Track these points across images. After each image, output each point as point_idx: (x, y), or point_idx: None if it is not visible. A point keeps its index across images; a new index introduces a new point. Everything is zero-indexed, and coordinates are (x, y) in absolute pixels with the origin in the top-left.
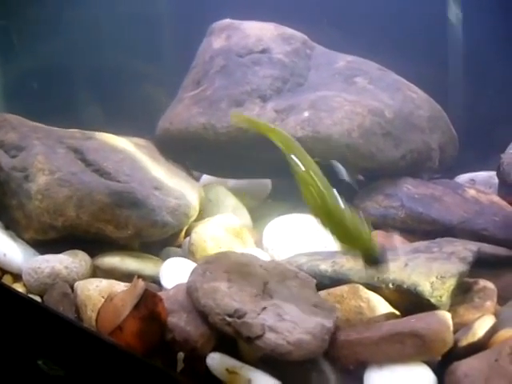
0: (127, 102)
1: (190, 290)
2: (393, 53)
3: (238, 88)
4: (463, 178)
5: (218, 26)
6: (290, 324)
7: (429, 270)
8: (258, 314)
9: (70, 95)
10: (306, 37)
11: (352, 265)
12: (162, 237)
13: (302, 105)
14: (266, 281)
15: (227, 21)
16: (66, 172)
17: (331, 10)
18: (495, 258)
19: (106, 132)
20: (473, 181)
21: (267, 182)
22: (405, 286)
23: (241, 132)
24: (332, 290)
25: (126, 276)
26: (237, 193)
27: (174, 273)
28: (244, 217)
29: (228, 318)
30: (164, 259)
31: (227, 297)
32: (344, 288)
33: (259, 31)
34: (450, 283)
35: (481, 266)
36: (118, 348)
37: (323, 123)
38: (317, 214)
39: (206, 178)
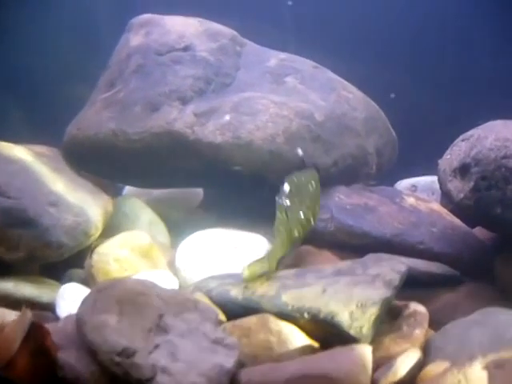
0: (43, 106)
1: (78, 323)
2: (333, 51)
3: (154, 89)
4: (404, 183)
5: (137, 21)
6: (184, 365)
7: (349, 297)
8: (150, 353)
9: None
10: (235, 33)
11: (265, 290)
12: (59, 258)
13: (223, 107)
14: (162, 313)
15: (147, 16)
16: None
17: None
18: (429, 276)
19: (7, 140)
20: (414, 187)
21: (197, 192)
22: (321, 316)
23: (156, 139)
24: (238, 321)
25: (21, 303)
26: (160, 204)
27: (69, 301)
28: (161, 233)
29: (116, 358)
30: (65, 283)
31: (116, 332)
32: (252, 319)
33: (182, 27)
34: (372, 312)
35: (414, 285)
36: None
37: (245, 128)
38: None
39: (129, 189)
